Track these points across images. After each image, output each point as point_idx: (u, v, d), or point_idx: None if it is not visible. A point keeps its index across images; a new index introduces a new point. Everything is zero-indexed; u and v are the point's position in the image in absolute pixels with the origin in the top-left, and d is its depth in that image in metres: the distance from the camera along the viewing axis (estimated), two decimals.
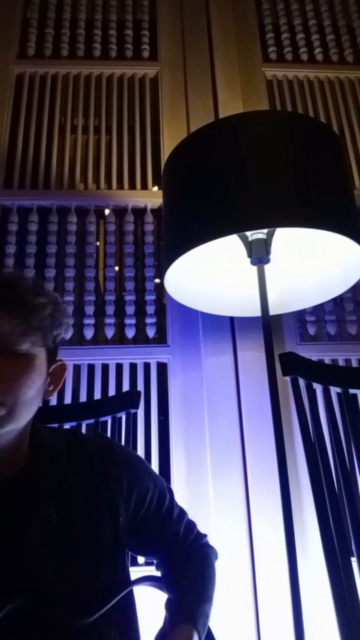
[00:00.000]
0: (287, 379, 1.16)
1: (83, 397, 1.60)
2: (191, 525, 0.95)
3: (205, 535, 0.96)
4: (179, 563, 0.89)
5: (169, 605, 0.83)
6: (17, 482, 0.76)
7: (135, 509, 0.86)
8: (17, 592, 0.68)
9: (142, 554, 0.96)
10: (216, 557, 0.94)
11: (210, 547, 0.94)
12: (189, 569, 0.88)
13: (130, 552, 0.92)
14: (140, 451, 1.52)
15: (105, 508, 0.81)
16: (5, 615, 0.65)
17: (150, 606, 0.90)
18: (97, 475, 0.83)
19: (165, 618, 0.82)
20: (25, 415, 0.75)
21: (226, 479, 1.50)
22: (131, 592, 0.83)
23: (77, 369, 1.65)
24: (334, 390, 1.17)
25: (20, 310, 0.75)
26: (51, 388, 0.81)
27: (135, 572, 0.88)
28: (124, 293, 1.78)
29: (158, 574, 0.91)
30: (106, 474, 0.84)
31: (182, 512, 0.95)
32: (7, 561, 0.71)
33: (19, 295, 0.76)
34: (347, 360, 1.68)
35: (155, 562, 0.92)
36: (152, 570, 0.92)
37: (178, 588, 0.85)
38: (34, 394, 0.75)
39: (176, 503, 0.94)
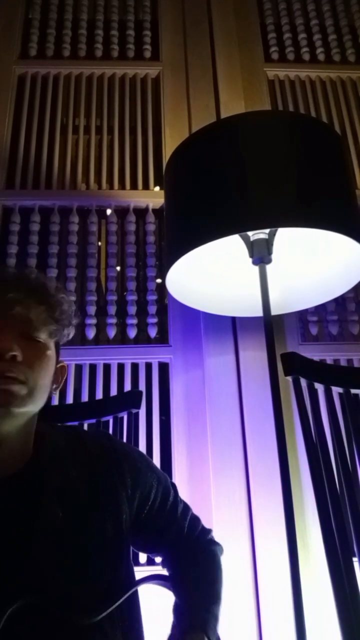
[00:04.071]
0: (289, 378, 1.16)
1: (85, 397, 1.60)
2: (196, 520, 0.94)
3: (210, 530, 0.95)
4: (185, 561, 0.88)
5: (177, 609, 0.82)
6: (20, 479, 0.76)
7: (139, 505, 0.86)
8: (23, 591, 0.68)
9: (146, 551, 0.96)
10: (222, 553, 0.93)
11: (216, 544, 0.94)
12: (196, 570, 0.87)
13: (134, 549, 0.91)
14: (142, 451, 1.52)
15: (108, 505, 0.81)
16: (11, 614, 0.65)
17: (155, 606, 0.90)
18: (99, 473, 0.83)
19: (173, 623, 0.80)
20: (40, 400, 0.78)
21: (228, 479, 1.50)
22: (136, 592, 0.83)
23: (78, 369, 1.65)
24: (336, 391, 1.17)
25: (46, 300, 0.81)
26: (54, 386, 0.84)
27: (137, 572, 0.88)
28: (125, 293, 1.78)
29: (165, 572, 0.90)
30: (108, 471, 0.84)
31: (187, 508, 0.94)
32: (12, 559, 0.71)
33: (45, 288, 0.83)
34: (349, 361, 1.67)
35: (160, 559, 0.92)
36: (155, 570, 0.92)
37: (186, 590, 0.84)
38: (48, 382, 0.80)
39: (180, 498, 0.94)
